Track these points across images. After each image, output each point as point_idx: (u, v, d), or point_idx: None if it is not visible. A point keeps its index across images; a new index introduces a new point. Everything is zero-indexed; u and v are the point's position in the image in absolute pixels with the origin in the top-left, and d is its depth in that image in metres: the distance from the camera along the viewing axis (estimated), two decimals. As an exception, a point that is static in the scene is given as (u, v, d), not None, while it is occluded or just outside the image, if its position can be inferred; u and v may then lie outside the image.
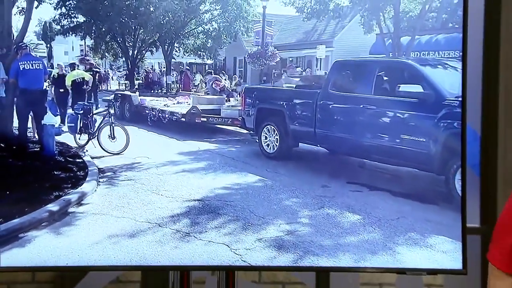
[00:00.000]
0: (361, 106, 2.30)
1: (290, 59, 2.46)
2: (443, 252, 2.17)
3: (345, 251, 2.18)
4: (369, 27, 2.27)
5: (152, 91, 2.52)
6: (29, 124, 2.40)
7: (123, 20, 2.35)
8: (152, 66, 2.51)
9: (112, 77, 2.53)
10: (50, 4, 2.31)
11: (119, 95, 2.49)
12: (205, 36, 2.40)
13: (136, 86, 2.49)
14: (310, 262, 2.18)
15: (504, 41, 2.73)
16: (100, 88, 2.52)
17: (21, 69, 2.33)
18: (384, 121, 2.28)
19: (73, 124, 2.42)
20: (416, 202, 2.25)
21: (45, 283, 3.25)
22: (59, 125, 2.41)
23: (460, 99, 2.16)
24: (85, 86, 2.47)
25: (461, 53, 2.16)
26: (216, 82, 2.47)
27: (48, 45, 2.42)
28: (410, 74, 2.30)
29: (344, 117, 2.34)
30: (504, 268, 1.46)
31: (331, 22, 2.35)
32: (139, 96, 2.49)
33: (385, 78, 2.31)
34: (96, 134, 2.41)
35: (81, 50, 2.44)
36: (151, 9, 2.32)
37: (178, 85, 2.53)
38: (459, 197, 2.19)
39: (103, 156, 2.40)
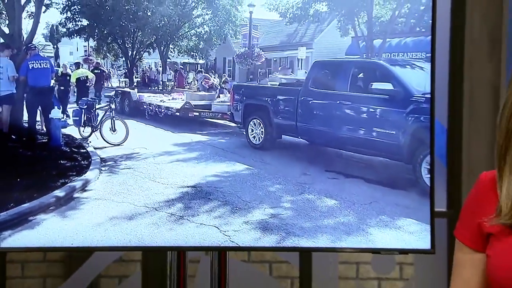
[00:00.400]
0: (338, 102, 2.32)
1: (274, 59, 2.47)
2: (410, 233, 2.21)
3: (323, 232, 2.22)
4: (345, 30, 2.29)
5: (150, 88, 2.52)
6: (38, 118, 2.40)
7: (123, 24, 2.36)
8: (150, 65, 2.52)
9: (113, 75, 2.54)
10: (57, 9, 2.32)
11: (120, 91, 2.50)
12: (197, 38, 2.41)
13: (135, 84, 2.50)
14: (292, 242, 2.22)
15: (468, 43, 2.77)
16: (104, 85, 2.53)
17: (30, 68, 2.35)
18: (359, 116, 2.30)
19: (77, 118, 2.43)
20: (387, 188, 2.29)
21: (55, 262, 3.28)
22: (64, 118, 2.42)
23: (426, 95, 2.20)
24: (88, 83, 2.47)
25: (427, 55, 2.20)
26: (205, 80, 2.48)
27: (55, 46, 2.43)
28: (381, 73, 2.32)
29: (323, 111, 2.36)
30: (472, 245, 1.48)
31: (311, 26, 2.36)
32: (137, 92, 2.50)
33: (359, 76, 2.32)
34: (99, 127, 2.42)
35: (85, 51, 2.45)
36: (149, 13, 2.33)
37: (173, 82, 2.54)
38: (425, 183, 2.23)
39: (105, 147, 2.41)
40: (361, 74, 2.33)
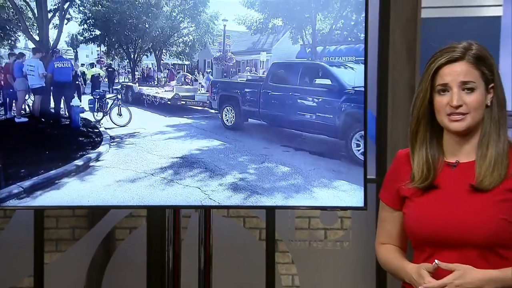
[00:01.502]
0: (290, 93, 2.37)
1: (243, 61, 2.49)
2: (343, 191, 2.31)
3: (279, 191, 2.30)
4: (295, 40, 2.34)
5: (147, 83, 2.53)
6: (61, 105, 2.42)
7: (127, 34, 2.39)
8: (147, 65, 2.53)
9: (119, 73, 2.53)
10: (76, 22, 2.38)
11: (124, 85, 2.51)
12: (184, 45, 2.44)
13: (136, 79, 2.51)
14: (255, 199, 2.29)
15: (391, 52, 2.80)
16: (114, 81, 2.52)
17: (56, 67, 2.39)
18: (305, 104, 2.38)
19: (92, 105, 2.47)
20: (326, 158, 2.38)
21: (82, 216, 3.30)
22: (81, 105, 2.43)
23: (355, 89, 2.26)
24: (100, 79, 2.47)
25: (356, 58, 2.25)
26: (187, 78, 2.49)
27: (75, 50, 2.45)
28: (322, 72, 2.39)
29: (279, 101, 2.42)
30: (392, 205, 1.54)
31: (270, 36, 2.40)
32: (138, 86, 2.51)
33: (306, 74, 2.34)
34: (108, 112, 2.46)
35: (98, 54, 2.46)
36: (147, 26, 2.38)
37: (165, 79, 2.54)
38: (354, 155, 2.30)
39: (113, 128, 2.47)
40: (307, 72, 2.41)
